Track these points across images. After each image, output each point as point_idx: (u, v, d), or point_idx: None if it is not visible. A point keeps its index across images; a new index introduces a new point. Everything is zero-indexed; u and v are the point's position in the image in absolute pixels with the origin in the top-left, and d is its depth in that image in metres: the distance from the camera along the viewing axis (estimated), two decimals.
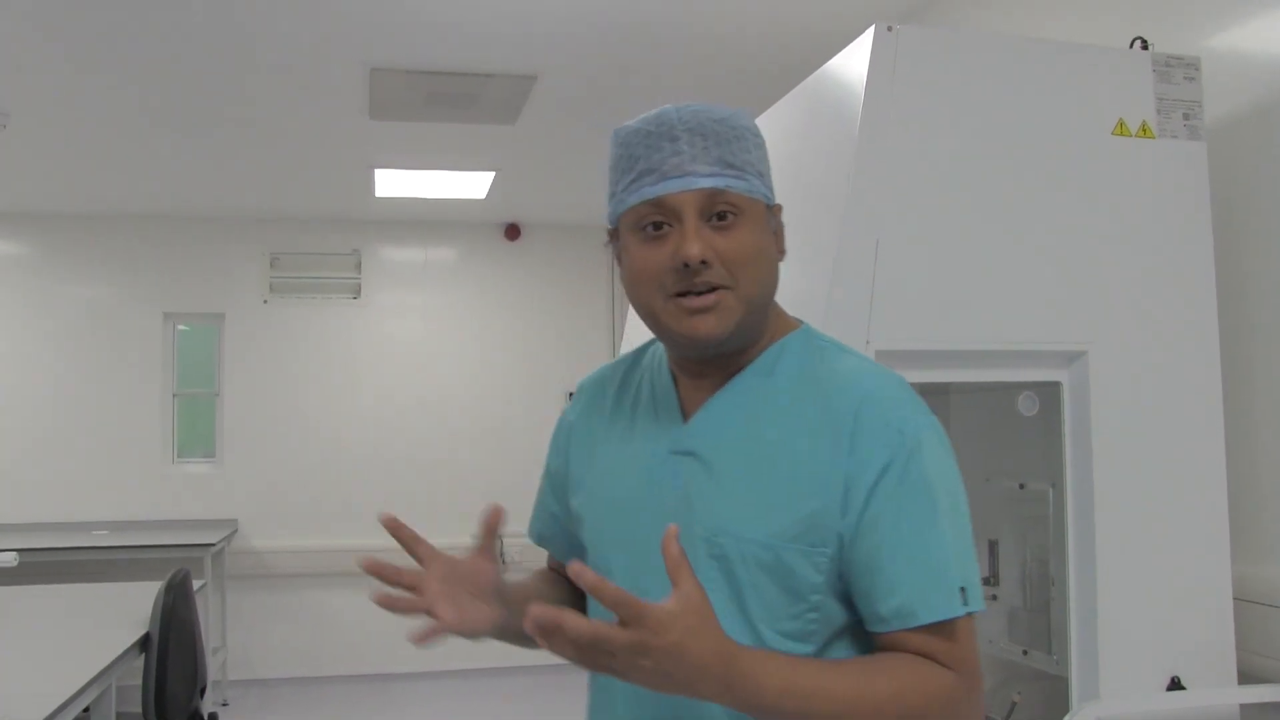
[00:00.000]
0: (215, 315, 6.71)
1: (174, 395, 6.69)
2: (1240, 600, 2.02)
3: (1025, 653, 2.14)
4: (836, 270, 1.80)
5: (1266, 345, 2.13)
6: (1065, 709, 1.93)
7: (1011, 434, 2.15)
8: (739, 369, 1.28)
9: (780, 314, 1.33)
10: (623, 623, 1.02)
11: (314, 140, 4.96)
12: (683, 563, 1.06)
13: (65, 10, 3.37)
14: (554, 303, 7.00)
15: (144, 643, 3.51)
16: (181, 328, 6.81)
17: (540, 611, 1.02)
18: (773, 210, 1.28)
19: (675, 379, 1.34)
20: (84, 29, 3.53)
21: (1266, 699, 1.95)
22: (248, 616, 6.49)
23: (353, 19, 3.48)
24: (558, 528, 1.50)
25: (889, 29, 1.87)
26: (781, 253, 1.29)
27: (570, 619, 1.02)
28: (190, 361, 6.84)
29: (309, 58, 3.84)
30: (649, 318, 1.26)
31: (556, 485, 1.48)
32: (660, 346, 1.38)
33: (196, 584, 4.06)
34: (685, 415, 1.31)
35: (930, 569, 1.16)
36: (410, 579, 1.17)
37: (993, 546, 2.24)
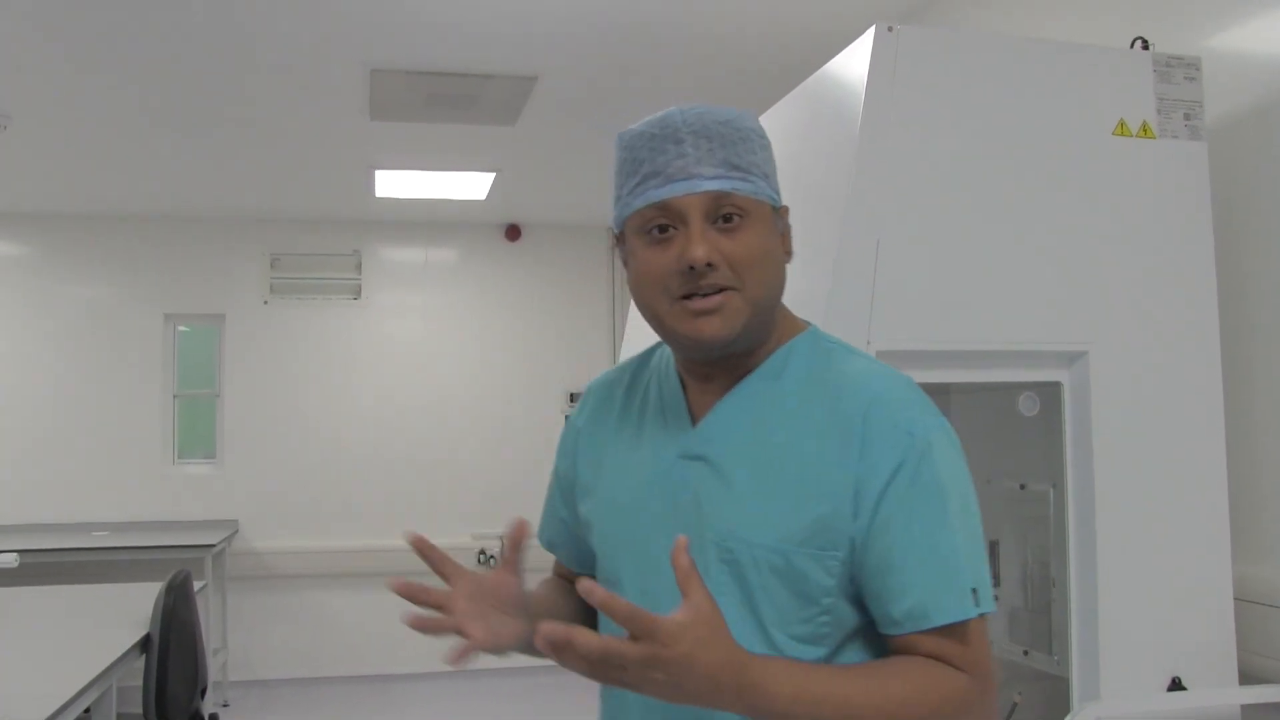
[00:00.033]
0: (216, 316, 6.71)
1: (174, 396, 6.69)
2: (1241, 600, 2.02)
3: (1026, 653, 2.14)
4: (837, 270, 1.80)
5: (1267, 346, 2.13)
6: (1066, 709, 1.93)
7: (1012, 434, 2.15)
8: (747, 372, 1.28)
9: (788, 316, 1.32)
10: (633, 637, 1.03)
11: (314, 141, 4.97)
12: (693, 574, 1.06)
13: (65, 10, 3.37)
14: (554, 303, 7.00)
15: (145, 644, 3.51)
16: (182, 328, 6.81)
17: (550, 629, 1.03)
18: (779, 212, 1.28)
19: (683, 382, 1.33)
20: (84, 29, 3.53)
21: (1267, 699, 1.95)
22: (248, 617, 6.49)
23: (353, 19, 3.48)
24: (566, 533, 1.49)
25: (889, 29, 1.87)
26: (789, 254, 1.29)
27: (580, 635, 1.03)
28: (191, 362, 6.84)
29: (309, 58, 3.84)
30: (655, 321, 1.26)
31: (565, 490, 1.47)
32: (667, 350, 1.37)
33: (197, 585, 4.06)
34: (693, 419, 1.30)
35: (942, 571, 1.15)
36: (438, 598, 1.17)
37: (993, 547, 2.24)
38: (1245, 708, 1.99)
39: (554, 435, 5.69)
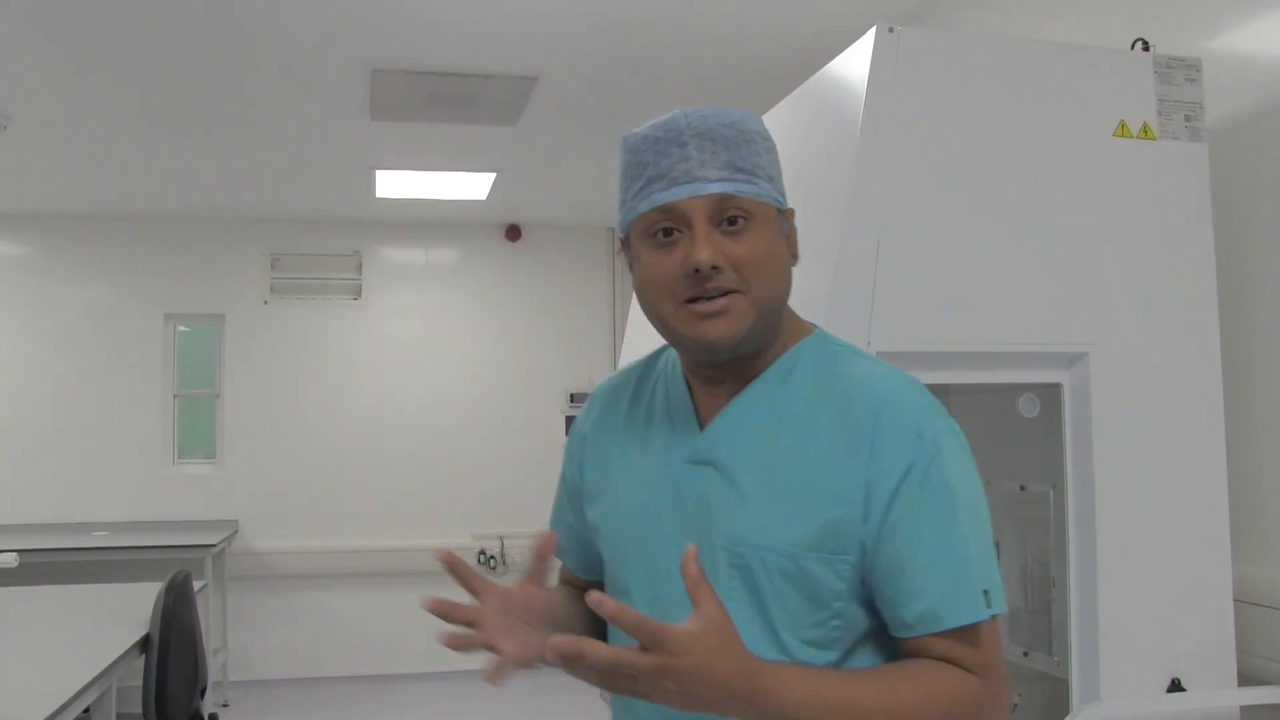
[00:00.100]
0: (216, 316, 6.71)
1: (174, 396, 6.69)
2: (1240, 602, 2.02)
3: (1026, 654, 2.14)
4: (837, 271, 1.80)
5: (1267, 347, 2.13)
6: (1066, 710, 1.93)
7: (1012, 436, 2.15)
8: (754, 375, 1.27)
9: (794, 318, 1.32)
10: (644, 647, 1.03)
11: (315, 141, 4.97)
12: (702, 582, 1.06)
13: (65, 10, 3.37)
14: (554, 304, 7.00)
15: (144, 643, 3.51)
16: (182, 328, 6.81)
17: (560, 641, 1.04)
18: (785, 215, 1.27)
19: (689, 386, 1.33)
20: (84, 29, 3.53)
21: (1267, 701, 1.95)
22: (248, 617, 6.49)
23: (353, 20, 3.48)
24: (574, 539, 1.47)
25: (890, 30, 1.87)
26: (794, 257, 1.28)
27: (590, 646, 1.03)
28: (191, 362, 6.84)
29: (310, 58, 3.84)
30: (661, 325, 1.25)
31: (572, 496, 1.46)
32: (673, 353, 1.37)
33: (197, 585, 4.06)
34: (701, 423, 1.30)
35: (953, 573, 1.15)
36: (469, 615, 1.15)
37: (993, 548, 2.24)
38: (1245, 709, 1.99)
39: (554, 435, 5.76)
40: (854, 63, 1.93)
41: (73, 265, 6.52)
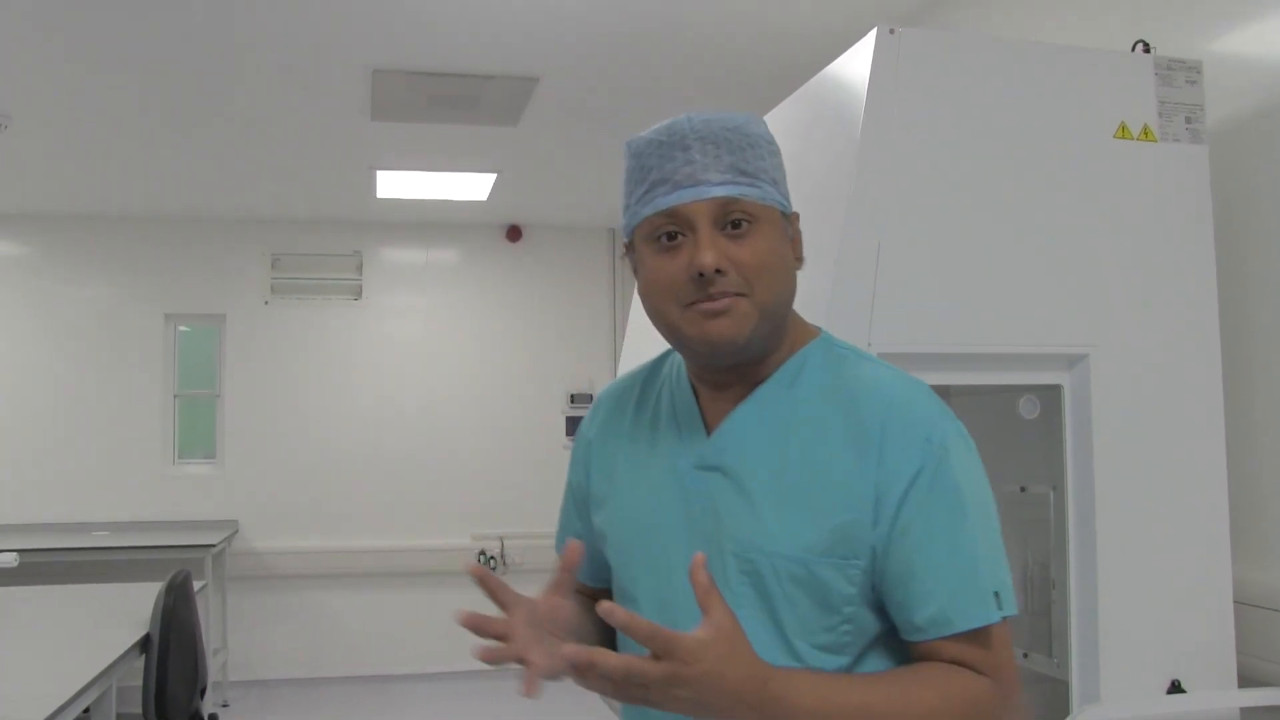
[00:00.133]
0: (216, 316, 6.71)
1: (175, 396, 6.69)
2: (1240, 603, 2.02)
3: (1026, 655, 2.14)
4: (838, 272, 1.80)
5: (1268, 349, 2.13)
6: (1065, 712, 1.93)
7: (1013, 437, 2.15)
8: (760, 379, 1.27)
9: (799, 322, 1.31)
10: (655, 655, 1.03)
11: (315, 141, 4.97)
12: (712, 590, 1.07)
13: (65, 10, 3.37)
14: (555, 304, 7.00)
15: (144, 643, 3.51)
16: (182, 329, 6.81)
17: (572, 651, 1.05)
18: (790, 218, 1.27)
19: (696, 391, 1.32)
20: (84, 29, 3.53)
21: (1266, 702, 1.95)
22: (248, 617, 6.49)
23: (354, 20, 3.49)
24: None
25: (891, 32, 1.87)
26: (800, 261, 1.28)
27: (602, 656, 1.04)
28: (191, 362, 6.84)
29: (310, 59, 3.84)
30: (666, 328, 1.25)
31: (579, 503, 1.46)
32: (678, 358, 1.36)
33: (197, 585, 4.06)
34: (708, 428, 1.29)
35: (964, 576, 1.15)
36: (499, 628, 1.15)
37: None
38: (1244, 711, 1.99)
39: (555, 436, 5.76)
40: (855, 64, 1.93)
41: (73, 265, 6.52)
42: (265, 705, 6.19)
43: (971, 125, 1.93)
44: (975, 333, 1.89)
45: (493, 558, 6.74)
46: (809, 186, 1.90)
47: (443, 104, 4.33)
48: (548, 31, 3.60)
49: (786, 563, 1.19)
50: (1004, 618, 1.16)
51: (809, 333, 1.32)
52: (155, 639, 3.50)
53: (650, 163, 1.22)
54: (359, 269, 6.85)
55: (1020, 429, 2.09)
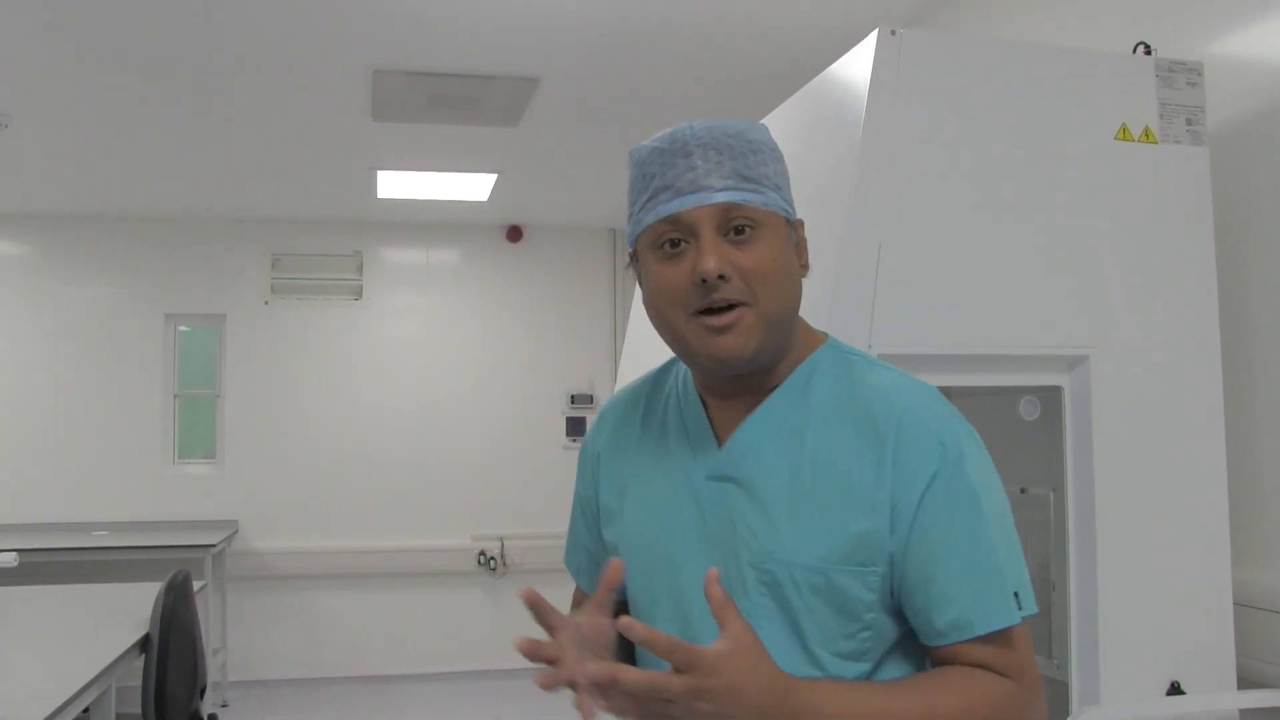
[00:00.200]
0: (216, 316, 6.71)
1: (175, 396, 6.69)
2: (1240, 605, 2.02)
3: None
4: (839, 273, 1.80)
5: (1268, 351, 2.13)
6: (1065, 713, 1.93)
7: (1013, 438, 2.15)
8: (769, 388, 1.26)
9: (806, 328, 1.31)
10: (676, 669, 1.03)
11: (316, 141, 4.97)
12: (728, 604, 1.07)
13: (65, 10, 3.38)
14: (556, 305, 7.00)
15: (144, 643, 3.51)
16: (183, 329, 6.81)
17: (594, 669, 1.05)
18: (794, 225, 1.26)
19: (704, 401, 1.32)
20: (84, 29, 3.53)
21: (1266, 704, 1.95)
22: (248, 618, 6.49)
23: (355, 20, 3.49)
24: (590, 561, 1.46)
25: (892, 33, 1.87)
26: (805, 268, 1.27)
27: (624, 672, 1.04)
28: (191, 362, 6.84)
29: (311, 59, 3.84)
30: (673, 338, 1.24)
31: (588, 517, 1.45)
32: (683, 367, 1.36)
33: (197, 585, 4.06)
34: (719, 439, 1.29)
35: (983, 579, 1.15)
36: (551, 652, 1.15)
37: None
38: (1244, 712, 1.99)
39: (555, 437, 5.76)
40: (856, 65, 1.93)
41: (73, 265, 6.52)
42: (265, 705, 6.19)
43: (973, 126, 1.93)
44: (976, 334, 1.89)
45: (492, 558, 6.74)
46: (810, 188, 1.90)
47: (443, 104, 4.34)
48: (548, 32, 3.60)
49: (805, 572, 1.18)
50: (1024, 617, 1.16)
51: (816, 339, 1.31)
52: (155, 639, 3.50)
53: (652, 170, 1.22)
54: (359, 269, 6.85)
55: (1020, 430, 2.08)
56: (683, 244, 1.20)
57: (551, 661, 1.14)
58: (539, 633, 1.19)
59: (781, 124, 2.14)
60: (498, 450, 6.82)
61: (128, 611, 3.85)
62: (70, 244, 6.51)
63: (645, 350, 1.94)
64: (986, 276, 1.90)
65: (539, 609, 1.19)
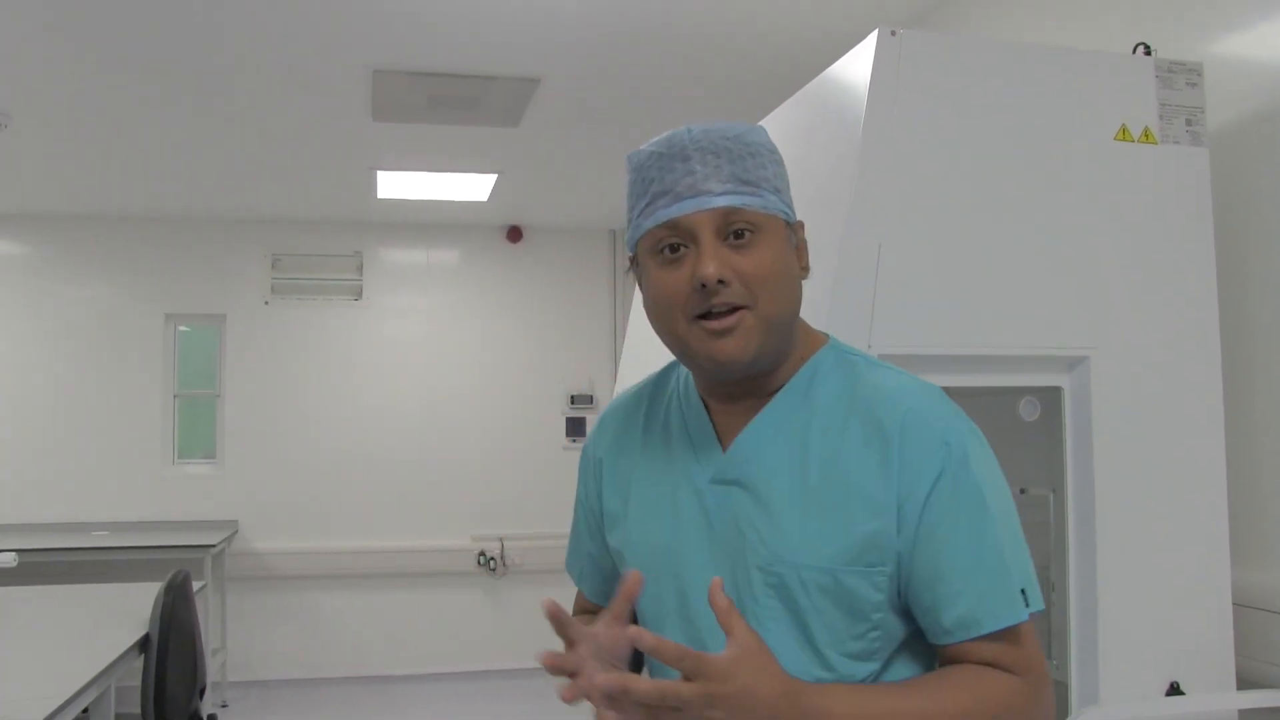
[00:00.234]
0: (216, 316, 6.71)
1: (175, 396, 6.69)
2: (1240, 605, 2.02)
3: None
4: (839, 273, 1.80)
5: (1268, 352, 2.13)
6: (1065, 713, 1.93)
7: (1013, 439, 2.15)
8: (772, 390, 1.26)
9: (807, 330, 1.31)
10: (686, 677, 1.04)
11: (316, 141, 4.97)
12: (733, 611, 1.07)
13: (65, 9, 3.38)
14: (556, 305, 7.00)
15: (143, 644, 3.51)
16: (183, 329, 6.81)
17: (605, 680, 1.05)
18: (794, 227, 1.26)
19: (706, 405, 1.31)
20: (84, 29, 3.53)
21: (1265, 704, 1.96)
22: (248, 618, 6.49)
23: (355, 20, 3.49)
24: (593, 567, 1.46)
25: (892, 33, 1.87)
26: (805, 270, 1.27)
27: (635, 682, 1.04)
28: (191, 362, 6.84)
29: (312, 59, 3.85)
30: (674, 342, 1.24)
31: (591, 523, 1.44)
32: (683, 371, 1.36)
33: (196, 585, 4.06)
34: (722, 442, 1.28)
35: (990, 577, 1.15)
36: (572, 664, 1.15)
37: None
38: (1243, 713, 1.99)
39: (555, 437, 5.77)
40: (856, 66, 1.93)
41: (73, 265, 6.52)
42: (264, 705, 6.19)
43: (972, 127, 1.93)
44: (976, 335, 1.89)
45: (492, 559, 6.74)
46: (810, 188, 1.90)
47: (444, 105, 4.34)
48: (549, 33, 3.60)
49: (813, 573, 1.18)
50: (1032, 614, 1.16)
51: (818, 340, 1.31)
52: (154, 639, 3.50)
53: (651, 175, 1.22)
54: (359, 269, 6.85)
55: (1020, 431, 2.08)
56: (682, 249, 1.20)
57: (573, 674, 1.14)
58: (538, 634, 1.19)
59: (782, 124, 2.14)
60: (498, 450, 6.82)
61: (127, 611, 3.85)
62: (70, 244, 6.51)
63: (645, 351, 1.94)
64: (986, 277, 1.90)
65: (560, 621, 1.19)
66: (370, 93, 4.19)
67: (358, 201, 6.20)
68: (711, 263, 1.17)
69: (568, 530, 1.51)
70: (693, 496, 1.27)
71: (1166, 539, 1.95)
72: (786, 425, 1.24)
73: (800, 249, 1.27)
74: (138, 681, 3.49)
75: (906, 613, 1.20)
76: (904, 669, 1.22)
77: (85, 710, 3.02)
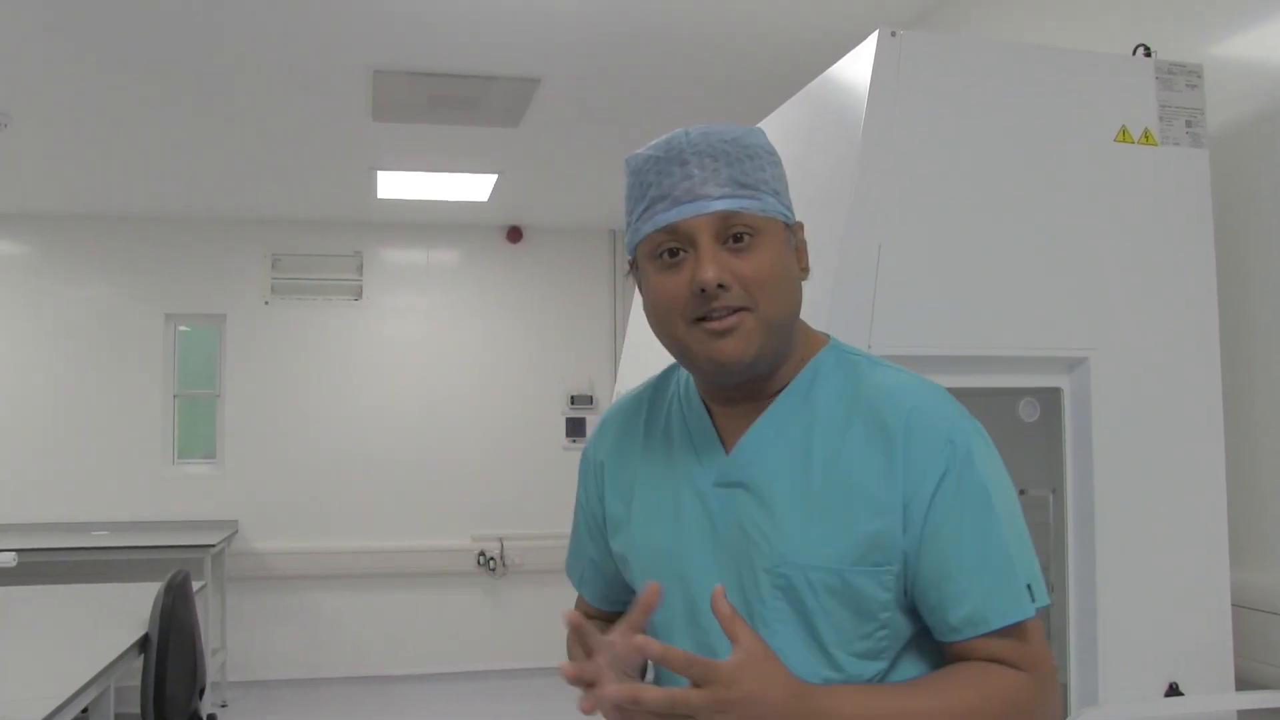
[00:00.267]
0: (216, 316, 6.71)
1: (175, 396, 6.69)
2: (1239, 606, 2.02)
3: None
4: (839, 274, 1.80)
5: (1268, 352, 2.13)
6: (1064, 714, 1.93)
7: (1012, 440, 2.15)
8: (773, 392, 1.26)
9: (808, 331, 1.30)
10: (695, 683, 1.04)
11: (316, 141, 4.97)
12: (736, 618, 1.08)
13: (65, 9, 3.38)
14: (556, 305, 7.00)
15: (143, 643, 3.51)
16: (183, 329, 6.81)
17: (614, 691, 1.06)
18: (793, 228, 1.26)
19: (707, 408, 1.31)
20: (84, 29, 3.53)
21: (1264, 705, 1.96)
22: (247, 618, 6.49)
23: (355, 20, 3.49)
24: (595, 572, 1.46)
25: (892, 34, 1.88)
26: (805, 271, 1.27)
27: (645, 691, 1.05)
28: (191, 362, 6.84)
29: (312, 59, 3.85)
30: (674, 345, 1.24)
31: (592, 527, 1.44)
32: (683, 374, 1.35)
33: (196, 585, 4.06)
34: (725, 445, 1.28)
35: (996, 574, 1.16)
36: (592, 675, 1.15)
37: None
38: (1242, 714, 1.99)
39: (555, 437, 5.78)
40: (856, 66, 1.93)
41: (73, 265, 6.52)
42: (264, 705, 6.19)
43: (973, 128, 1.93)
44: (975, 335, 1.89)
45: (492, 559, 6.74)
46: (810, 189, 1.90)
47: (444, 105, 4.34)
48: (549, 33, 3.60)
49: (820, 574, 1.18)
50: (1038, 610, 1.16)
51: (818, 340, 1.31)
52: (154, 639, 3.50)
53: (649, 179, 1.21)
54: (359, 269, 6.85)
55: (1020, 432, 2.08)
56: (681, 253, 1.19)
57: (591, 684, 1.14)
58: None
59: (782, 125, 2.14)
60: (498, 450, 6.82)
61: (127, 611, 3.85)
62: (70, 244, 6.51)
63: (645, 352, 1.94)
64: (986, 277, 1.90)
65: (580, 631, 1.19)
66: (370, 93, 4.19)
67: (358, 201, 6.20)
68: (710, 267, 1.16)
69: (568, 530, 1.51)
70: (696, 500, 1.27)
71: (1166, 540, 1.95)
72: (789, 426, 1.24)
73: (800, 250, 1.27)
74: (137, 681, 3.49)
75: (913, 611, 1.20)
76: (911, 667, 1.22)
77: (85, 710, 3.02)
